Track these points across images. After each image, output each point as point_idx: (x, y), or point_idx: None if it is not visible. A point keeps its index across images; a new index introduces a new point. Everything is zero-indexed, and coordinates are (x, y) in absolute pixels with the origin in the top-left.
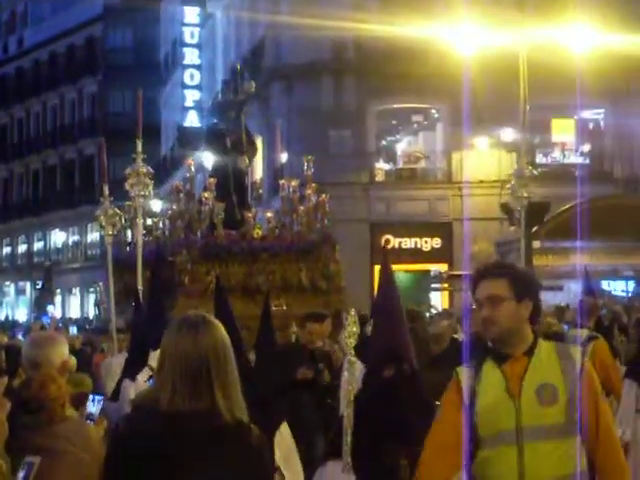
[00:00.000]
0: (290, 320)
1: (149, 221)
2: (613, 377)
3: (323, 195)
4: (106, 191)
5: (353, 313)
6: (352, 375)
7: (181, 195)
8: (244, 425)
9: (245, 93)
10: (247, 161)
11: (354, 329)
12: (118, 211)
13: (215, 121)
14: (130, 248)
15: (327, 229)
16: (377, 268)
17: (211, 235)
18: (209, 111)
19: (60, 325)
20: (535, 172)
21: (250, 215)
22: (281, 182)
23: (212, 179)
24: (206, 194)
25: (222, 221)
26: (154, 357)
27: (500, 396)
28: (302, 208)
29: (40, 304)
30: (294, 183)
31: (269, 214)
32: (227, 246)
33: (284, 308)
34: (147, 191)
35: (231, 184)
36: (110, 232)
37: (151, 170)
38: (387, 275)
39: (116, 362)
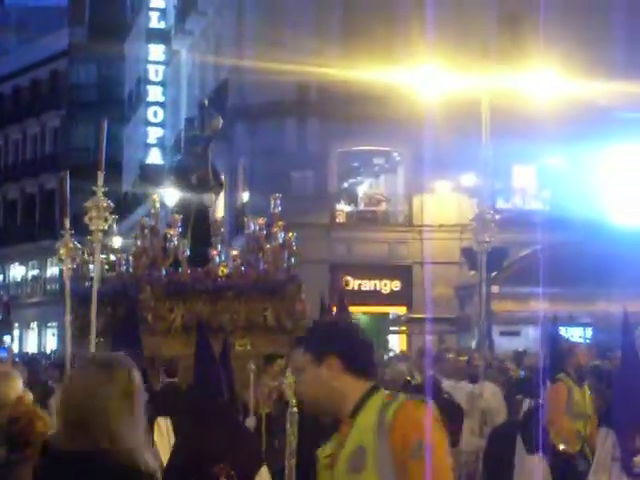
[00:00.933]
0: (254, 359)
1: (112, 257)
2: (556, 421)
3: (290, 234)
4: (67, 224)
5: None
6: (293, 426)
7: (146, 231)
8: (135, 466)
9: (212, 129)
10: (213, 198)
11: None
12: (78, 245)
13: (180, 157)
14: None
15: (293, 268)
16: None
17: (175, 272)
18: (173, 147)
19: (17, 360)
20: (497, 217)
21: (215, 253)
22: (246, 219)
23: (177, 215)
24: (171, 231)
25: (187, 258)
26: None
27: (322, 467)
28: (268, 246)
29: None
30: (261, 221)
31: (234, 252)
32: (191, 284)
33: (248, 348)
34: (106, 225)
35: (196, 221)
36: (69, 266)
37: (111, 204)
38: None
39: None
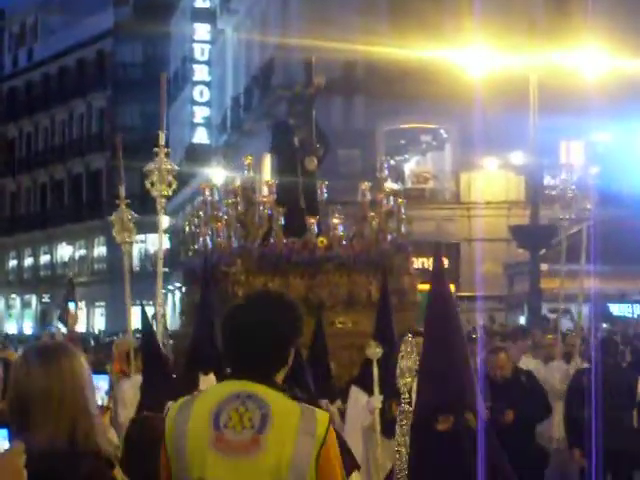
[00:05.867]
0: (356, 339)
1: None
2: None
3: (400, 199)
4: (122, 192)
5: (410, 338)
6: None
7: (238, 198)
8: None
9: (316, 87)
10: (315, 161)
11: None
12: (136, 215)
13: (280, 119)
14: (198, 257)
15: (403, 237)
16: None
17: (269, 243)
18: (220, 126)
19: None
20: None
21: (313, 222)
22: (361, 186)
23: (271, 180)
24: (265, 197)
25: (282, 228)
26: (205, 381)
27: None
28: (372, 214)
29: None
30: (365, 186)
31: (335, 220)
32: (287, 255)
33: (349, 326)
34: (170, 190)
35: (297, 186)
36: (128, 239)
37: (175, 167)
38: (441, 291)
39: (127, 386)
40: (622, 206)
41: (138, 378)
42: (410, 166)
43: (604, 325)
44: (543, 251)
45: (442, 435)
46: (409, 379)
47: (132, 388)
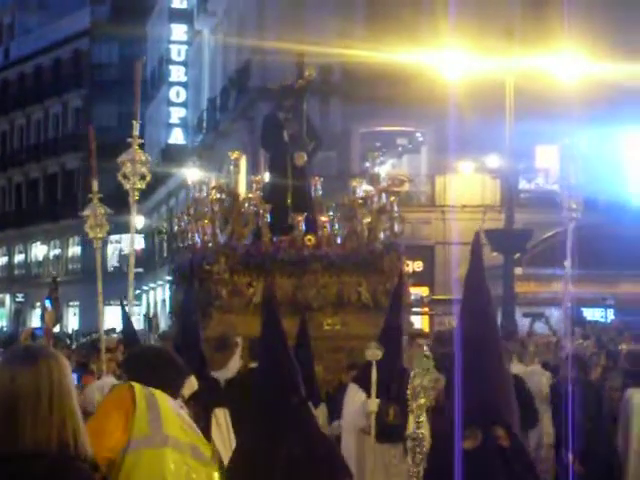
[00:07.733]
0: (345, 342)
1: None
2: None
3: (392, 197)
4: (95, 187)
5: (427, 352)
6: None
7: (223, 195)
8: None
9: (306, 80)
10: (304, 157)
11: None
12: (110, 210)
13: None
14: (186, 255)
15: (395, 236)
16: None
17: (255, 241)
18: (196, 127)
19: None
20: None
21: (300, 219)
22: (352, 184)
23: (258, 177)
24: (251, 194)
25: (268, 225)
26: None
27: None
28: (363, 212)
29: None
30: (355, 182)
31: (324, 218)
32: (273, 254)
33: (338, 328)
34: (144, 184)
35: (285, 183)
36: (100, 235)
37: (149, 158)
38: (477, 284)
39: (99, 386)
40: (597, 211)
41: (106, 380)
42: (386, 169)
43: (576, 329)
44: (517, 255)
45: (467, 455)
46: (423, 400)
47: (98, 389)
